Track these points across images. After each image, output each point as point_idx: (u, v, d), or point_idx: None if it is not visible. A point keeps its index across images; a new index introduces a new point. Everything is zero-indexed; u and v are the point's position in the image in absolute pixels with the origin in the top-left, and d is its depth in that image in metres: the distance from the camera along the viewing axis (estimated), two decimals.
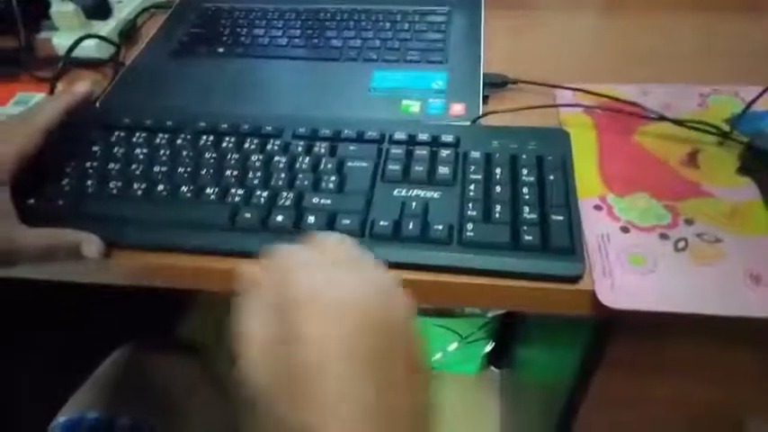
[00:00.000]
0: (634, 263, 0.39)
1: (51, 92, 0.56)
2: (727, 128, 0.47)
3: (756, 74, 0.51)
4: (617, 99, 0.50)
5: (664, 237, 0.40)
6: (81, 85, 0.49)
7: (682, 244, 0.40)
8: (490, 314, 1.04)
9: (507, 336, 1.08)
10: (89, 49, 0.60)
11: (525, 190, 0.41)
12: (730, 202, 0.42)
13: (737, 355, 0.44)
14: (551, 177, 0.41)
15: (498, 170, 0.42)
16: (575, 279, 0.37)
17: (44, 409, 0.57)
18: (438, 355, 1.03)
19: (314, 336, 0.25)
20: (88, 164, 0.45)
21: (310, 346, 0.25)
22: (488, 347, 1.11)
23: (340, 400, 0.24)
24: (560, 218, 0.39)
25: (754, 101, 0.48)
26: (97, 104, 0.53)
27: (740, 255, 0.39)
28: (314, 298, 0.26)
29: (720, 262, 0.39)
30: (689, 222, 0.41)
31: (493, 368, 1.17)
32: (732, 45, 0.58)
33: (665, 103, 0.50)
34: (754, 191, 0.43)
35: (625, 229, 0.41)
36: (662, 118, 0.48)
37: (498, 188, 0.41)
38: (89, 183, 0.44)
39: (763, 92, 0.48)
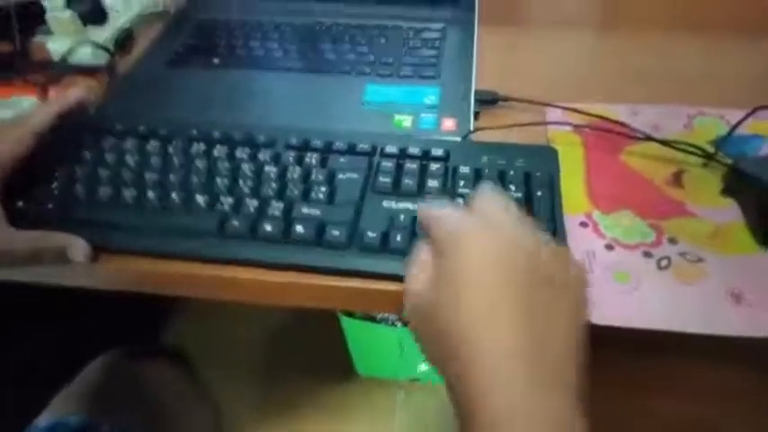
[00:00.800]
0: (619, 280, 0.39)
1: (45, 97, 0.57)
2: (711, 149, 0.47)
3: (743, 97, 0.52)
4: (605, 118, 0.51)
5: (647, 255, 0.41)
6: (74, 91, 0.49)
7: (665, 262, 0.40)
8: None
9: None
10: (84, 55, 0.60)
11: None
12: (713, 223, 0.43)
13: (720, 374, 0.45)
14: (539, 194, 0.42)
15: None
16: None
17: (24, 412, 0.57)
18: (422, 366, 1.03)
19: (472, 258, 0.29)
20: (79, 168, 0.45)
21: (469, 265, 0.29)
22: None
23: (493, 309, 0.28)
24: (546, 234, 0.39)
25: (738, 124, 0.49)
26: (91, 111, 0.54)
27: (722, 274, 0.39)
28: (475, 234, 0.31)
29: (702, 281, 0.39)
30: (672, 241, 0.42)
31: None
32: (723, 67, 0.60)
33: (653, 124, 0.51)
34: (737, 212, 0.44)
35: (610, 247, 0.41)
36: (649, 138, 0.49)
37: None
38: (79, 187, 0.44)
39: (747, 115, 0.49)
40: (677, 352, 0.42)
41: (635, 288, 0.39)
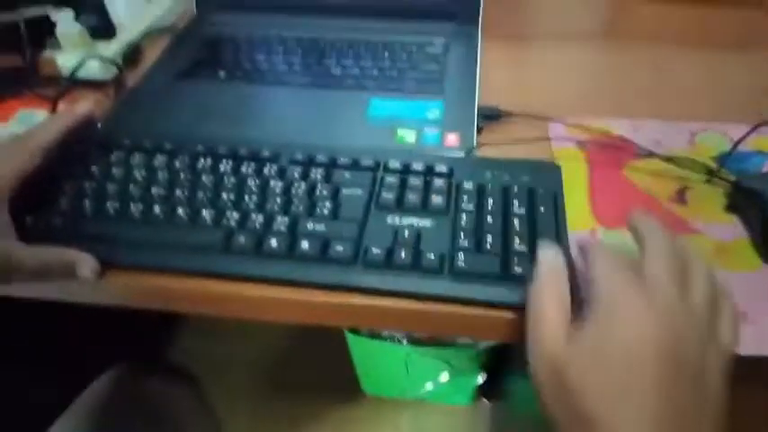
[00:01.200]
0: None
1: (53, 111, 0.57)
2: (714, 166, 0.48)
3: (745, 113, 0.53)
4: (608, 134, 0.51)
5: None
6: (83, 106, 0.50)
7: None
8: (482, 345, 1.04)
9: (499, 367, 1.07)
10: (93, 69, 0.61)
11: (516, 222, 0.41)
12: (717, 240, 0.43)
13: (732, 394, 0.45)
14: (542, 210, 0.42)
15: (490, 201, 0.43)
16: None
17: (32, 428, 0.57)
18: (429, 386, 1.03)
19: (628, 339, 0.28)
20: (86, 183, 0.46)
21: (626, 348, 0.28)
22: (481, 379, 1.11)
23: (630, 400, 0.27)
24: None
25: (740, 140, 0.49)
26: (99, 125, 0.54)
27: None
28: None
29: None
30: None
31: (485, 400, 1.16)
32: (725, 83, 0.60)
33: (655, 140, 0.52)
34: (741, 229, 0.44)
35: None
36: (651, 154, 0.49)
37: (490, 219, 0.41)
38: (86, 202, 0.44)
39: (750, 131, 0.50)
40: None
41: None
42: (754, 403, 0.44)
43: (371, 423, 0.96)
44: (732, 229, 0.44)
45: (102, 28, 0.64)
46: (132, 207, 0.43)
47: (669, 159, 0.48)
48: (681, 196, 0.47)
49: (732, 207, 0.45)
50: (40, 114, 0.57)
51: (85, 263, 0.39)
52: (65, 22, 0.61)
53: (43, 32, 0.64)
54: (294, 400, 0.97)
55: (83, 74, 0.60)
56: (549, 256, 0.35)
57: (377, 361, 0.90)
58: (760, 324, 0.38)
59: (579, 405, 0.28)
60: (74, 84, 0.60)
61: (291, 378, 1.01)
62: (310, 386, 0.98)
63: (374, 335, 0.83)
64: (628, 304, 0.29)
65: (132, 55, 0.66)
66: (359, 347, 0.89)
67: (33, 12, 0.64)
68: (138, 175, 0.46)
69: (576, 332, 0.30)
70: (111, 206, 0.44)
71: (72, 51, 0.62)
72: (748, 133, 0.50)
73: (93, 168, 0.47)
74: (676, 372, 0.27)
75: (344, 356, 0.90)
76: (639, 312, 0.28)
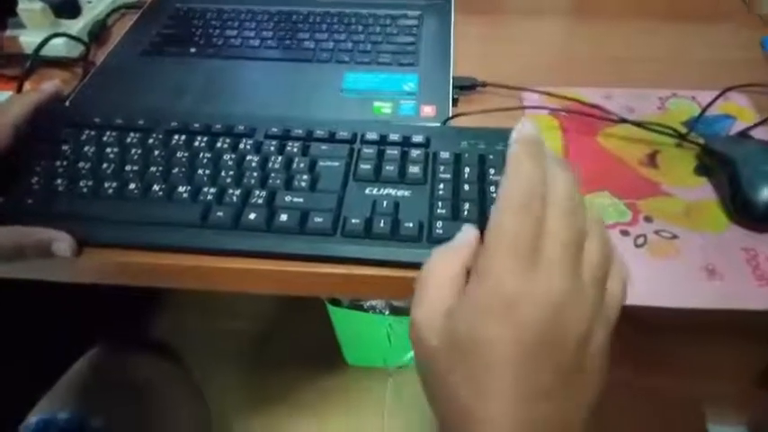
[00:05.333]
0: None
1: (19, 90, 0.56)
2: (684, 130, 0.49)
3: (713, 80, 0.54)
4: (581, 102, 0.52)
5: (624, 233, 0.42)
6: (49, 84, 0.49)
7: (641, 240, 0.41)
8: None
9: None
10: (58, 47, 0.59)
11: (492, 189, 0.42)
12: (687, 201, 0.44)
13: (696, 348, 0.46)
14: None
15: (467, 170, 0.43)
16: None
17: (15, 409, 0.56)
18: (411, 353, 1.04)
19: (493, 325, 0.25)
20: (58, 162, 0.45)
21: (500, 337, 0.25)
22: None
23: (507, 386, 0.25)
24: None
25: (709, 105, 0.50)
26: (67, 103, 0.53)
27: (696, 250, 0.41)
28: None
29: (677, 257, 0.40)
30: (648, 220, 0.43)
31: None
32: (693, 51, 0.61)
33: (627, 107, 0.52)
34: (710, 190, 0.45)
35: None
36: (623, 120, 0.50)
37: (467, 187, 0.42)
38: (59, 181, 0.43)
39: (718, 96, 0.51)
40: (656, 327, 0.44)
41: None
42: (724, 352, 0.46)
43: (355, 392, 0.97)
44: (701, 191, 0.45)
45: (66, 5, 0.62)
46: (106, 185, 0.43)
47: (640, 125, 0.49)
48: (652, 160, 0.48)
49: (701, 169, 0.47)
50: (5, 94, 0.56)
51: (62, 241, 0.39)
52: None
53: (4, 10, 0.62)
54: (278, 371, 0.98)
55: (48, 52, 0.59)
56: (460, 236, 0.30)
57: (359, 332, 0.92)
58: (726, 280, 0.39)
59: (444, 391, 0.27)
60: (40, 62, 0.59)
61: (274, 351, 1.02)
62: (293, 358, 0.99)
63: (355, 306, 0.84)
64: (510, 291, 0.25)
65: (99, 32, 0.64)
66: (340, 319, 0.89)
67: None
68: (111, 152, 0.45)
69: (450, 319, 0.27)
70: (84, 184, 0.43)
71: (36, 29, 0.60)
72: (716, 98, 0.51)
73: (65, 147, 0.46)
74: (551, 370, 0.25)
75: (327, 328, 0.91)
76: (519, 301, 0.25)
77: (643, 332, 0.44)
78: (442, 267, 0.29)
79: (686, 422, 0.55)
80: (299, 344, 1.01)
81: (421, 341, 0.28)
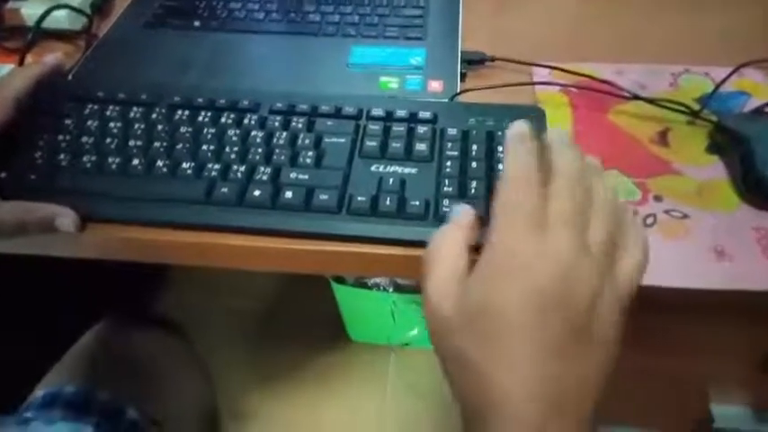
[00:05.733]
0: None
1: (21, 63, 0.55)
2: (697, 107, 0.48)
3: (727, 55, 0.52)
4: (592, 78, 0.51)
5: (633, 213, 0.41)
6: (51, 56, 0.48)
7: (650, 220, 0.41)
8: None
9: None
10: (60, 19, 0.58)
11: (500, 166, 0.41)
12: (698, 180, 0.44)
13: (702, 329, 0.46)
14: None
15: (474, 147, 0.42)
16: None
17: (22, 382, 0.57)
18: (414, 331, 1.05)
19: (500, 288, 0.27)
20: (61, 137, 0.44)
21: (508, 301, 0.26)
22: None
23: (514, 345, 0.26)
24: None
25: (722, 82, 0.49)
26: (70, 77, 0.52)
27: (706, 230, 0.40)
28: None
29: (687, 237, 0.40)
30: (658, 199, 0.42)
31: None
32: (707, 26, 0.59)
33: (639, 83, 0.51)
34: (722, 169, 0.44)
35: None
36: (635, 97, 0.49)
37: (474, 164, 0.41)
38: (62, 156, 0.43)
39: (731, 73, 0.49)
40: (662, 307, 0.43)
41: None
42: (731, 333, 0.46)
43: (358, 368, 0.98)
44: (713, 170, 0.44)
45: None
46: (110, 160, 0.42)
47: (652, 101, 0.48)
48: (663, 138, 0.47)
49: (713, 147, 0.46)
50: (7, 67, 0.55)
51: (66, 216, 0.39)
52: None
53: None
54: (281, 348, 0.99)
55: (50, 24, 0.58)
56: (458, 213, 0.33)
57: (363, 309, 0.92)
58: (736, 260, 0.38)
59: (466, 369, 0.27)
60: (41, 35, 0.58)
61: (278, 327, 1.02)
62: (297, 335, 1.00)
63: (360, 284, 0.84)
64: (520, 255, 0.27)
65: (101, 4, 0.63)
66: (345, 297, 0.89)
67: None
68: (115, 127, 0.45)
69: (462, 287, 0.28)
70: (87, 159, 0.43)
71: (37, 1, 0.59)
72: (730, 74, 0.49)
73: (68, 121, 0.46)
74: (561, 328, 0.26)
75: (331, 306, 0.92)
76: (530, 263, 0.27)
77: (649, 311, 0.44)
78: (449, 243, 0.31)
79: (689, 402, 0.55)
80: (303, 321, 1.01)
81: (434, 313, 0.29)
